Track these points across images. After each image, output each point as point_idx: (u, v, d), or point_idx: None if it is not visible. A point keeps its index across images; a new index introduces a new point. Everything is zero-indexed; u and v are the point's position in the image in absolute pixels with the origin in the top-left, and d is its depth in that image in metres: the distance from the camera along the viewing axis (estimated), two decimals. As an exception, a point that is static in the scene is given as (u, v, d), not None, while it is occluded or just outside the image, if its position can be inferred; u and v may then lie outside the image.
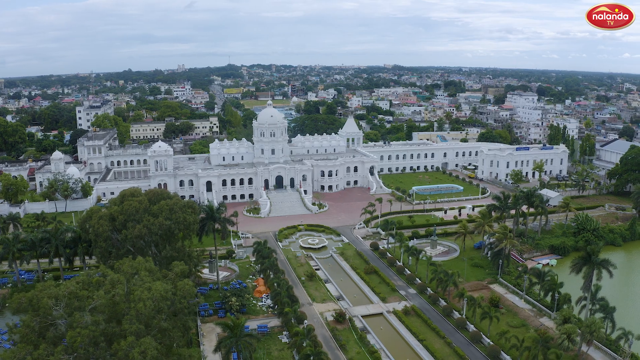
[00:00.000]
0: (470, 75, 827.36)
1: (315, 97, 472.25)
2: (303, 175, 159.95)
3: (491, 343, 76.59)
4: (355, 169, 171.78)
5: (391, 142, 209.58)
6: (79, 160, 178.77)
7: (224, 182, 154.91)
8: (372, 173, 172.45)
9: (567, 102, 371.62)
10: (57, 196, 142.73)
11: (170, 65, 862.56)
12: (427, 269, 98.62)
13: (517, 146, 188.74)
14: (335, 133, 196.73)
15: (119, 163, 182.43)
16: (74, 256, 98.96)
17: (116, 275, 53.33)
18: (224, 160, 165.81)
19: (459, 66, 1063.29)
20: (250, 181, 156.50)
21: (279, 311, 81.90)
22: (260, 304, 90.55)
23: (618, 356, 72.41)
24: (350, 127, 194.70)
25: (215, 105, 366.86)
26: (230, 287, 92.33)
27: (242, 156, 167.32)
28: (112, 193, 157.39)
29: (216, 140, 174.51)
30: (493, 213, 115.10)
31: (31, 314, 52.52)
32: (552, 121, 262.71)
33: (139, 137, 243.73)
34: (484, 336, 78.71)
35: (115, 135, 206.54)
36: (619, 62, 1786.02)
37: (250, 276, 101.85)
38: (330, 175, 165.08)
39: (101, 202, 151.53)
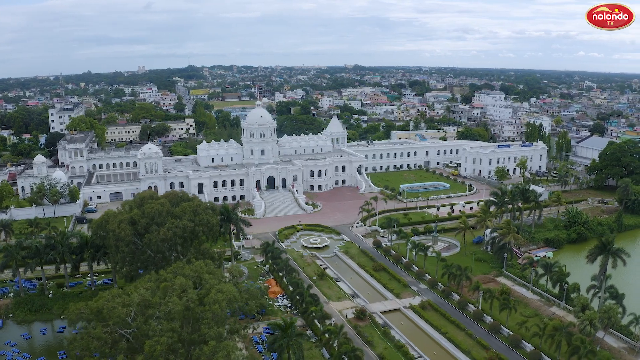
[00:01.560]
0: (432, 74, 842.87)
1: (284, 97, 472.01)
2: (294, 176, 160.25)
3: (511, 333, 79.28)
4: (344, 169, 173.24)
5: (374, 142, 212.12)
6: (60, 163, 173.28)
7: (215, 184, 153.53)
8: (360, 172, 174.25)
9: (532, 100, 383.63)
10: (44, 201, 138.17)
11: (129, 67, 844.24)
12: (437, 264, 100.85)
13: (499, 144, 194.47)
14: (314, 133, 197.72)
15: (101, 166, 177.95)
16: (80, 262, 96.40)
17: (184, 280, 52.11)
18: (213, 161, 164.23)
19: (417, 66, 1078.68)
20: (241, 182, 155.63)
21: (302, 311, 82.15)
22: (277, 304, 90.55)
23: (631, 340, 76.20)
24: (335, 127, 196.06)
25: (186, 107, 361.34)
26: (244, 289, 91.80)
27: (232, 157, 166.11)
28: (99, 197, 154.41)
29: (203, 141, 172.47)
30: (492, 208, 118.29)
31: (99, 324, 49.85)
32: (524, 119, 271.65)
33: (114, 139, 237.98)
34: (502, 327, 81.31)
35: (94, 138, 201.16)
36: (574, 60, 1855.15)
37: (261, 277, 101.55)
38: (319, 175, 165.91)
39: (89, 206, 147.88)
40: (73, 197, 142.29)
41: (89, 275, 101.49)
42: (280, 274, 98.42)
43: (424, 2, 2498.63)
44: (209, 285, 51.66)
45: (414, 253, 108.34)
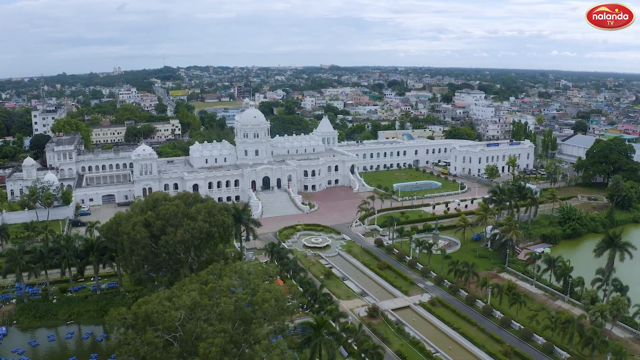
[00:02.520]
0: (408, 74, 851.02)
1: (264, 98, 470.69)
2: (289, 176, 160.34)
3: (522, 327, 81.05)
4: (336, 168, 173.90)
5: (363, 141, 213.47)
6: (48, 166, 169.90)
7: (210, 185, 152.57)
8: (352, 172, 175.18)
9: (511, 99, 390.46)
10: (37, 204, 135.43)
11: (104, 68, 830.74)
12: (442, 262, 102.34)
13: (488, 142, 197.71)
14: (300, 134, 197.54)
15: (90, 168, 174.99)
16: (85, 266, 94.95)
17: (229, 280, 51.73)
18: (206, 162, 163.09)
19: (393, 66, 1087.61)
20: (236, 183, 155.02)
21: (317, 309, 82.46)
22: (288, 304, 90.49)
23: (638, 331, 78.75)
24: (326, 127, 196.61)
25: (167, 108, 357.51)
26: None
27: (225, 158, 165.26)
28: (91, 199, 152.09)
29: (196, 142, 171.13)
30: (490, 206, 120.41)
31: (149, 328, 48.50)
32: (506, 118, 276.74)
33: (99, 141, 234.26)
34: (513, 321, 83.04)
35: (81, 140, 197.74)
36: (548, 59, 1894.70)
37: (269, 277, 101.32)
38: (313, 175, 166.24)
39: (82, 209, 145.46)
40: (66, 200, 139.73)
41: (92, 279, 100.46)
42: (288, 274, 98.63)
43: (398, 2, 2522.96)
44: (254, 285, 51.58)
45: (417, 251, 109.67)
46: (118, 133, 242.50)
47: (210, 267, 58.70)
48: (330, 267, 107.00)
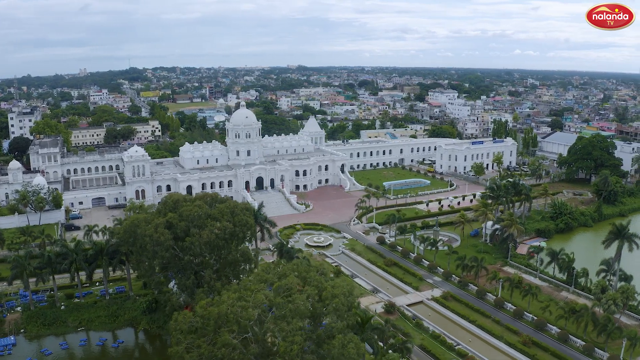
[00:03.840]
0: (377, 74, 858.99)
1: (237, 98, 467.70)
2: (281, 176, 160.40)
3: (535, 317, 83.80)
4: (326, 168, 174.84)
5: (349, 141, 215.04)
6: (32, 169, 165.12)
7: (203, 186, 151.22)
8: (343, 171, 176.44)
9: (483, 98, 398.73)
10: (27, 209, 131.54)
11: (69, 70, 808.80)
12: (449, 257, 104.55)
13: (473, 140, 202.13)
14: (285, 134, 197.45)
15: (75, 171, 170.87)
16: (94, 271, 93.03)
17: (295, 278, 51.62)
18: (198, 163, 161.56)
19: (359, 66, 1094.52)
20: (229, 184, 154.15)
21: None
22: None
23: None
24: (313, 126, 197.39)
25: (142, 109, 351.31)
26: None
27: (217, 159, 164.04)
28: (81, 203, 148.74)
29: (186, 143, 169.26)
30: (489, 202, 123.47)
31: (224, 329, 47.29)
32: (482, 116, 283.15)
33: (78, 143, 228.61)
34: (525, 312, 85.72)
35: (63, 142, 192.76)
36: (511, 58, 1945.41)
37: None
38: (304, 174, 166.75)
39: (73, 212, 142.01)
40: (57, 203, 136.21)
41: (97, 284, 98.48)
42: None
43: (363, 2, 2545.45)
44: (317, 282, 51.83)
45: (421, 248, 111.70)
46: (97, 135, 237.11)
47: (260, 266, 58.56)
48: (337, 266, 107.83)
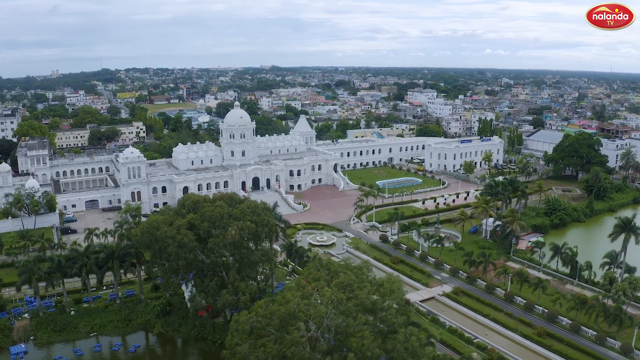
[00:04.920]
0: (351, 74, 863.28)
1: (215, 99, 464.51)
2: (277, 176, 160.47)
3: (546, 310, 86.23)
4: (319, 167, 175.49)
5: (338, 140, 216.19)
6: (20, 172, 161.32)
7: (199, 187, 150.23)
8: (336, 170, 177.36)
9: (461, 97, 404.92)
10: (21, 212, 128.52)
11: (41, 72, 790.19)
12: (455, 253, 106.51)
13: (462, 139, 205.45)
14: (271, 134, 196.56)
15: (64, 173, 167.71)
16: (105, 274, 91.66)
17: (351, 275, 51.95)
18: (192, 164, 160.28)
19: (332, 66, 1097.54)
20: (225, 184, 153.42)
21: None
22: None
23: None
24: (304, 126, 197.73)
25: (122, 111, 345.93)
26: (279, 289, 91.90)
27: (211, 159, 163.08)
28: (74, 205, 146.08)
29: (179, 144, 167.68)
30: (489, 199, 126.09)
31: (292, 328, 46.99)
32: (464, 115, 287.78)
33: (62, 145, 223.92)
34: (536, 305, 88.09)
35: (49, 144, 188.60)
36: (482, 58, 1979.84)
37: (287, 277, 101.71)
38: (299, 174, 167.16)
39: (67, 215, 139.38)
40: (51, 206, 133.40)
41: (104, 288, 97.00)
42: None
43: (335, 2, 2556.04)
44: (370, 278, 52.40)
45: (425, 245, 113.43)
46: (81, 137, 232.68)
47: (310, 264, 58.81)
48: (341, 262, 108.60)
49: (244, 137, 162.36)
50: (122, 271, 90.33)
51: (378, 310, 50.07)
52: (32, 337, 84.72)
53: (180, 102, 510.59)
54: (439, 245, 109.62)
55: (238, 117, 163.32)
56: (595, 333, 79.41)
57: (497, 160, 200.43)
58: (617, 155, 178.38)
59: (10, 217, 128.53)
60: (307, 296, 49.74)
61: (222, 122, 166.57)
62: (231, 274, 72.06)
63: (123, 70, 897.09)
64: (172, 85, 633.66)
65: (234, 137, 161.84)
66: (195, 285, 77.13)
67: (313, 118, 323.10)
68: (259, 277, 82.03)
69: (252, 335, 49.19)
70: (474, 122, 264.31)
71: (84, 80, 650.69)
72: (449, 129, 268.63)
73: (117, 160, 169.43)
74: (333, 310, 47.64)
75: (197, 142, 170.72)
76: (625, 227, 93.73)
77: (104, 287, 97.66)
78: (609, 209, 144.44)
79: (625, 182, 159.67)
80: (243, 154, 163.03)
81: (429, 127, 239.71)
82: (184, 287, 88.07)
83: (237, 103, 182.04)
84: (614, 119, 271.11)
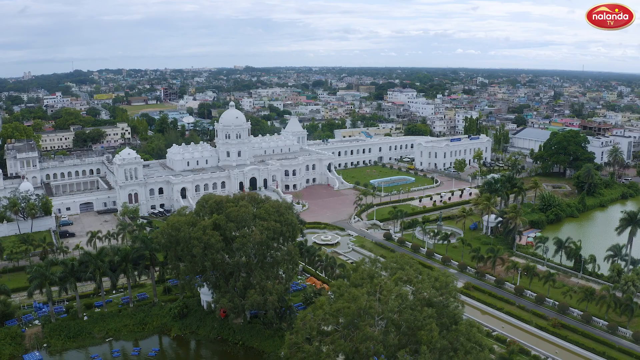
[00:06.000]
0: (325, 74, 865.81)
1: (193, 99, 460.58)
2: (273, 176, 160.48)
3: (556, 302, 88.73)
4: (314, 167, 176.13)
5: (329, 140, 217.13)
6: (9, 174, 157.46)
7: (197, 188, 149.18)
8: (330, 170, 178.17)
9: (439, 96, 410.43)
10: (15, 216, 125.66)
11: (12, 73, 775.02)
12: (462, 249, 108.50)
13: (452, 138, 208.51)
14: (256, 134, 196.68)
15: (55, 176, 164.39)
16: (118, 278, 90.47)
17: (410, 270, 52.46)
18: (188, 165, 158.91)
19: (305, 66, 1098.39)
20: (223, 185, 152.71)
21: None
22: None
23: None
24: (295, 126, 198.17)
25: (102, 112, 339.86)
26: (293, 289, 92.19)
27: (206, 160, 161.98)
28: (68, 208, 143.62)
29: (174, 145, 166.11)
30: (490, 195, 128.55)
31: (362, 322, 46.76)
32: (446, 114, 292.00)
33: (46, 147, 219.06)
34: (546, 298, 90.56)
35: (36, 146, 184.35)
36: (453, 57, 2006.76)
37: (299, 277, 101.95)
38: (294, 174, 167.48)
39: (63, 219, 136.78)
40: (47, 210, 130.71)
41: (113, 292, 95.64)
42: (319, 271, 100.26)
43: (306, 2, 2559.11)
44: (425, 275, 53.15)
45: (431, 242, 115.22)
46: (65, 139, 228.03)
47: (358, 262, 59.22)
48: (352, 263, 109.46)
49: (239, 138, 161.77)
50: (136, 273, 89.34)
51: (437, 303, 51.13)
52: (45, 345, 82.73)
53: (158, 103, 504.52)
54: (445, 242, 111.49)
55: (234, 117, 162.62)
56: (607, 323, 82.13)
57: (485, 158, 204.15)
58: (602, 152, 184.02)
59: (5, 221, 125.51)
60: (373, 292, 50.38)
61: (217, 123, 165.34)
62: (257, 274, 72.11)
63: (96, 72, 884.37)
64: (147, 87, 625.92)
65: (229, 138, 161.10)
66: (219, 287, 76.79)
67: (298, 118, 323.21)
68: (282, 276, 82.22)
69: (316, 333, 49.53)
70: (458, 121, 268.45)
71: (57, 82, 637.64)
72: (434, 127, 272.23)
73: (108, 162, 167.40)
74: (402, 304, 48.46)
75: (192, 143, 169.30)
76: (631, 221, 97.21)
77: (113, 291, 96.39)
78: (600, 204, 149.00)
79: (612, 178, 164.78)
80: (239, 154, 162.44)
81: (417, 126, 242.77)
82: (198, 288, 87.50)
83: (232, 103, 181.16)
84: (593, 116, 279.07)
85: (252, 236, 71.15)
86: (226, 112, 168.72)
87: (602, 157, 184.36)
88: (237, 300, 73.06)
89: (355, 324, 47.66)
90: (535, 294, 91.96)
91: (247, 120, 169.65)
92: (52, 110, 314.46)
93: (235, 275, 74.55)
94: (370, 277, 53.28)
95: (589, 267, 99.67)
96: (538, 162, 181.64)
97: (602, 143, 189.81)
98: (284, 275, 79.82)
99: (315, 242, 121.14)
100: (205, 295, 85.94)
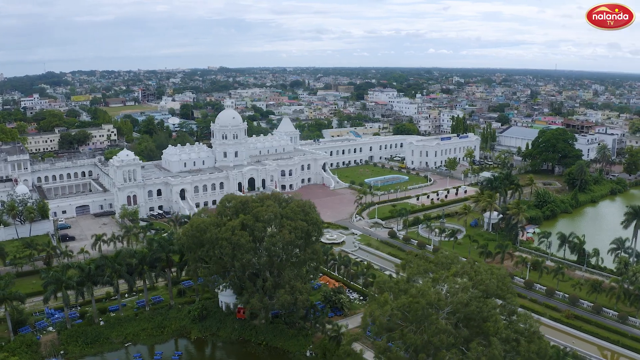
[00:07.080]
0: (301, 74, 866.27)
1: (172, 100, 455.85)
2: (271, 176, 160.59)
3: (566, 295, 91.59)
4: (309, 167, 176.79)
5: (320, 140, 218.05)
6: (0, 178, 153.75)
7: (196, 189, 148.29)
8: (325, 169, 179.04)
9: (419, 96, 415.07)
10: (13, 220, 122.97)
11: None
12: (470, 245, 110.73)
13: (442, 137, 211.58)
14: (254, 135, 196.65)
15: (47, 179, 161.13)
16: (136, 281, 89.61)
17: (465, 263, 53.41)
18: (185, 166, 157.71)
19: (279, 66, 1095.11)
20: (221, 185, 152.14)
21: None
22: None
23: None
24: (288, 126, 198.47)
25: (82, 114, 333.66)
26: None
27: (203, 161, 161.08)
28: (64, 212, 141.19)
29: (170, 145, 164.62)
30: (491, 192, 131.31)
31: (433, 316, 47.84)
32: (430, 114, 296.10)
33: (32, 149, 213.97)
34: (556, 291, 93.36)
35: (24, 149, 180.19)
36: (426, 57, 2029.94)
37: (311, 275, 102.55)
38: (290, 174, 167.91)
39: (60, 222, 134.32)
40: (44, 213, 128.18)
41: (126, 295, 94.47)
42: (332, 270, 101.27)
43: (279, 3, 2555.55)
44: (476, 268, 54.39)
45: (436, 239, 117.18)
46: (51, 141, 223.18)
47: (405, 258, 60.15)
48: (362, 261, 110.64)
49: (236, 138, 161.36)
50: (153, 275, 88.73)
51: (496, 295, 52.77)
52: (62, 352, 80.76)
53: (137, 104, 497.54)
54: (452, 239, 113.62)
55: (230, 117, 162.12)
56: (617, 313, 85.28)
57: (474, 156, 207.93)
58: (588, 150, 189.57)
59: (2, 226, 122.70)
60: (434, 286, 51.54)
61: (213, 124, 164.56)
62: (286, 274, 72.56)
63: (69, 73, 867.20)
64: (123, 88, 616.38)
65: (226, 138, 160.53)
66: (246, 287, 76.81)
67: (289, 118, 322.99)
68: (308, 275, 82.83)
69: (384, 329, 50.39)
70: (443, 120, 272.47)
71: (31, 84, 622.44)
72: (419, 127, 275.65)
73: (101, 164, 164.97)
74: (469, 296, 49.84)
75: (187, 144, 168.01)
76: (636, 215, 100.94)
77: (126, 295, 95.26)
78: (591, 200, 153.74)
79: (601, 175, 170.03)
80: (236, 154, 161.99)
81: (405, 126, 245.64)
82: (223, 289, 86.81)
83: (228, 104, 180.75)
84: (574, 115, 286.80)
85: (281, 235, 71.54)
86: (222, 112, 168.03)
87: (588, 154, 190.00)
88: (265, 300, 73.34)
89: (424, 318, 48.66)
90: (545, 287, 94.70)
91: (244, 121, 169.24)
92: (31, 112, 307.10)
93: (262, 276, 74.77)
94: (426, 272, 54.50)
95: (592, 260, 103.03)
96: (527, 159, 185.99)
97: (588, 140, 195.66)
98: (310, 275, 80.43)
99: (321, 241, 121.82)
100: (225, 296, 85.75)
